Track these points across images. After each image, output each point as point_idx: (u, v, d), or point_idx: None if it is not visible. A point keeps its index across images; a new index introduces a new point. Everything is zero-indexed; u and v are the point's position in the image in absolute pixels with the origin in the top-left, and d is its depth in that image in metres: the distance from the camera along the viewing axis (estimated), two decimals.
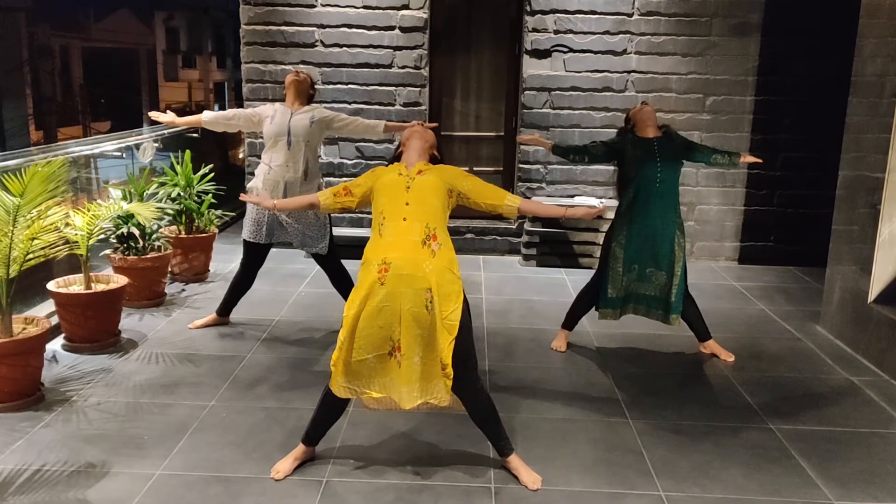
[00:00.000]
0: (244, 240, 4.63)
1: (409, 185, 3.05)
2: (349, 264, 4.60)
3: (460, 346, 2.92)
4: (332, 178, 6.61)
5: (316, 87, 4.87)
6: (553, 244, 6.49)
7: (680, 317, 4.34)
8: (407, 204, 3.00)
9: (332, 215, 4.72)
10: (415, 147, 3.23)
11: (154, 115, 4.78)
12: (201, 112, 4.83)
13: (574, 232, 6.45)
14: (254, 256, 4.68)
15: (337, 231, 5.08)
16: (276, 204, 3.43)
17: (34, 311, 4.61)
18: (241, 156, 9.42)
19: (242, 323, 4.87)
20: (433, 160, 3.26)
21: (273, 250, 4.81)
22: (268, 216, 4.51)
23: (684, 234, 4.31)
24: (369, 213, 3.17)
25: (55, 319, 4.47)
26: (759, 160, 4.51)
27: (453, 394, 3.00)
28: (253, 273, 4.74)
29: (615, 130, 4.59)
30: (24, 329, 3.81)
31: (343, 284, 4.66)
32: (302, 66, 6.50)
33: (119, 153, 6.73)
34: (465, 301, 3.00)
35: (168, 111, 4.81)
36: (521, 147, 6.66)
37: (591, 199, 6.62)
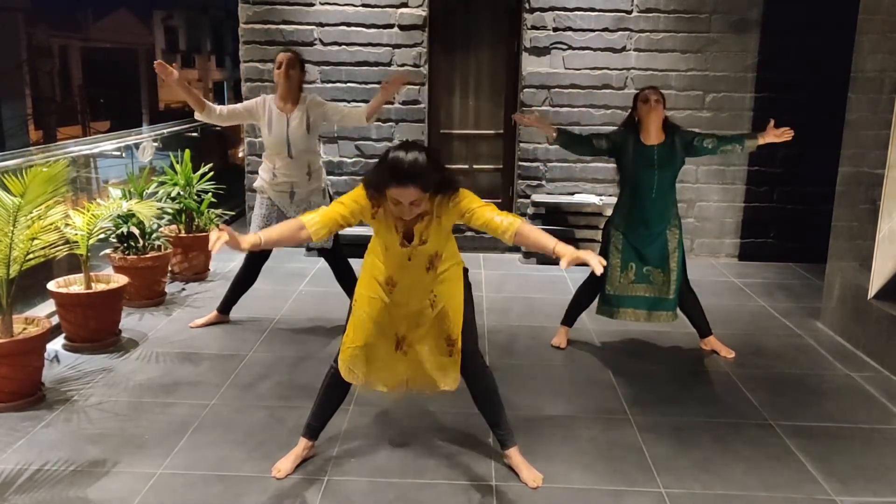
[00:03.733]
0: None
1: (412, 255, 2.90)
2: (351, 262, 4.61)
3: (464, 321, 3.01)
4: (332, 178, 6.60)
5: (305, 69, 4.62)
6: None
7: (675, 313, 4.37)
8: (409, 259, 2.92)
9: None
10: (405, 205, 2.69)
11: (159, 64, 4.20)
12: (210, 103, 4.47)
13: (574, 230, 6.45)
14: (258, 252, 4.67)
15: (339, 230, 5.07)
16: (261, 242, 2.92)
17: (35, 311, 4.61)
18: (240, 155, 9.41)
19: (243, 321, 4.87)
20: (439, 185, 2.76)
21: (273, 249, 4.80)
22: (276, 212, 4.55)
23: (681, 230, 4.31)
24: None
25: (55, 319, 4.47)
26: (786, 136, 4.13)
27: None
28: (257, 269, 4.75)
29: (614, 128, 4.58)
30: (25, 329, 3.81)
31: (348, 281, 4.67)
32: None
33: (118, 152, 6.73)
34: (467, 278, 3.07)
35: (174, 70, 4.22)
36: (521, 144, 6.66)
37: (591, 196, 6.62)
